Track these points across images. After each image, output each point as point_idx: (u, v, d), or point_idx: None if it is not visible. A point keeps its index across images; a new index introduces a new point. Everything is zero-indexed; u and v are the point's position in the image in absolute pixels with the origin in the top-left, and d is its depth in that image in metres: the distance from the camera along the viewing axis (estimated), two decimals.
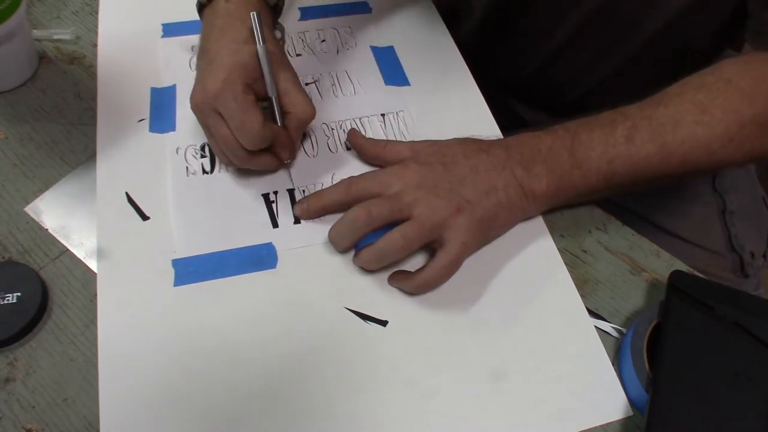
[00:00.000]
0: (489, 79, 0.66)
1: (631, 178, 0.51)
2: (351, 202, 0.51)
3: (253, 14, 0.52)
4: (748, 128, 0.50)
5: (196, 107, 0.51)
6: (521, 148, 0.52)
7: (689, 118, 0.50)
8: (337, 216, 0.51)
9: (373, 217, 0.49)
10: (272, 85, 0.52)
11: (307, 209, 0.53)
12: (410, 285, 0.49)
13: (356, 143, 0.57)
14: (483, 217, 0.50)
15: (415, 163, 0.51)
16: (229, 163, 0.55)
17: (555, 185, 0.51)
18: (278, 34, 0.62)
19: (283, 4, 0.61)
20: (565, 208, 0.56)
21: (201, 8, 0.57)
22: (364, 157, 0.57)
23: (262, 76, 0.52)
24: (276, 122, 0.53)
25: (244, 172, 0.56)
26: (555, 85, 0.72)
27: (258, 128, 0.49)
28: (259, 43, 0.51)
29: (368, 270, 0.51)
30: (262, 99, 0.52)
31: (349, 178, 0.53)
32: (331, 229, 0.51)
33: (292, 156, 0.55)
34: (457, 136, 0.54)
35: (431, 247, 0.51)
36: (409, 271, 0.50)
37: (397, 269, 0.51)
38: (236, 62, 0.51)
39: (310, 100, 0.54)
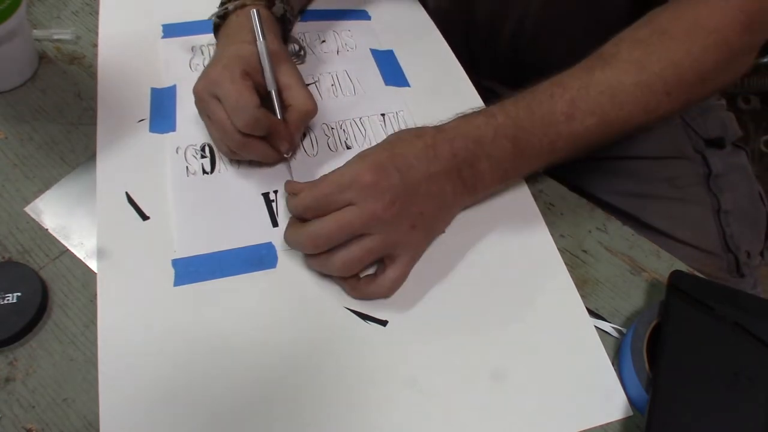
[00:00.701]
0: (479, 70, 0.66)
1: (573, 151, 0.52)
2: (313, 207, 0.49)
3: (253, 11, 0.54)
4: (685, 79, 0.51)
5: (197, 94, 0.53)
6: (465, 141, 0.50)
7: (627, 80, 0.50)
8: None
9: (321, 241, 0.47)
10: (272, 79, 0.53)
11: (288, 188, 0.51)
12: (359, 294, 0.49)
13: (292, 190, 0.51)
14: (431, 226, 0.51)
15: (371, 164, 0.48)
16: (227, 153, 0.55)
17: (499, 177, 0.52)
18: (294, 47, 0.64)
19: (294, 17, 0.62)
20: (564, 209, 0.56)
21: (216, 29, 0.60)
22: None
23: (262, 70, 0.54)
24: (276, 116, 0.54)
25: (244, 171, 0.56)
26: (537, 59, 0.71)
27: (252, 108, 0.50)
28: (259, 39, 0.54)
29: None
30: (264, 94, 0.53)
31: (304, 197, 0.49)
32: (285, 234, 0.50)
33: (291, 149, 0.55)
34: None
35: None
36: (358, 278, 0.50)
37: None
38: (237, 54, 0.53)
39: (311, 96, 0.54)
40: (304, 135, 0.59)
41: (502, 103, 0.52)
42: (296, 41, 0.65)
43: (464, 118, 0.52)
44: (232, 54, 0.53)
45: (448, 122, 0.52)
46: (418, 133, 0.51)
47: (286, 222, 0.53)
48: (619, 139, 0.53)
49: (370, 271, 0.51)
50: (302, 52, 0.66)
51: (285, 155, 0.55)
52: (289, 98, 0.54)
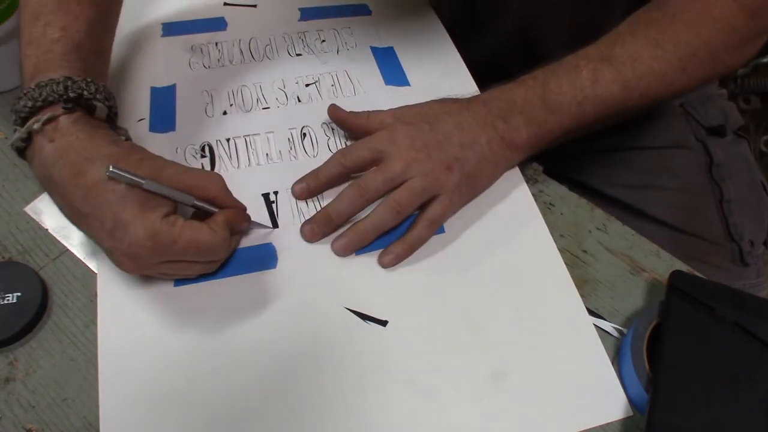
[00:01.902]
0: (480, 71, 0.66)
1: (600, 115, 0.54)
2: (347, 173, 0.54)
3: (112, 170, 0.42)
4: (698, 57, 0.54)
5: (140, 272, 0.46)
6: (498, 101, 0.54)
7: (645, 54, 0.53)
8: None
9: (369, 191, 0.51)
10: (184, 195, 0.45)
11: (306, 188, 0.54)
12: (404, 247, 0.51)
13: (337, 117, 0.58)
14: (471, 172, 0.53)
15: (402, 124, 0.53)
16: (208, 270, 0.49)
17: (534, 133, 0.54)
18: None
19: (117, 109, 0.50)
20: (564, 209, 0.56)
21: (20, 151, 0.46)
22: (347, 129, 0.58)
23: (163, 198, 0.44)
24: (209, 212, 0.47)
25: (244, 171, 0.56)
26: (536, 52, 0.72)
27: (217, 239, 0.45)
28: (142, 184, 0.43)
29: (365, 245, 0.52)
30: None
31: (339, 150, 0.54)
32: (328, 206, 0.52)
33: (248, 219, 0.51)
34: None
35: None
36: (395, 242, 0.52)
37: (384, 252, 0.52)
38: (136, 214, 0.42)
39: (203, 171, 0.51)
40: (304, 136, 0.59)
41: (532, 72, 0.55)
42: (124, 134, 0.51)
43: (498, 86, 0.56)
44: (142, 225, 0.42)
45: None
46: (455, 99, 0.56)
47: (286, 222, 0.53)
48: (640, 112, 0.56)
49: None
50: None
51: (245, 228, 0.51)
52: (195, 187, 0.46)
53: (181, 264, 0.45)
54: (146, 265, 0.44)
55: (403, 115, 0.55)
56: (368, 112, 0.56)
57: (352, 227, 0.52)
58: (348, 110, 0.57)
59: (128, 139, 0.51)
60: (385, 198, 0.51)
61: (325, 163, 0.54)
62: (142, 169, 0.43)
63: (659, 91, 0.54)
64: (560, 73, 0.54)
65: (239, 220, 0.49)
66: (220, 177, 0.48)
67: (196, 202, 0.46)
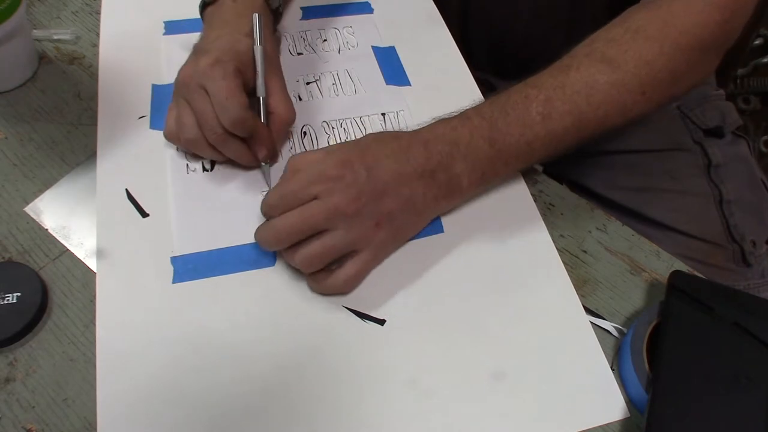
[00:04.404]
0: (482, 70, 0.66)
1: (551, 151, 0.52)
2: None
3: (256, 15, 0.54)
4: (659, 78, 0.51)
5: (182, 81, 0.52)
6: (440, 145, 0.50)
7: (602, 79, 0.50)
8: None
9: (281, 238, 0.47)
10: (263, 86, 0.53)
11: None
12: (317, 286, 0.49)
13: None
14: (399, 227, 0.50)
15: (338, 161, 0.47)
16: (197, 146, 0.52)
17: (478, 179, 0.51)
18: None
19: (283, 9, 0.61)
20: (564, 209, 0.56)
21: (204, 7, 0.58)
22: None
23: (254, 71, 0.53)
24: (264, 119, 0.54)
25: (243, 169, 0.55)
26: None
27: (240, 107, 0.50)
28: (257, 43, 0.53)
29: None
30: (249, 95, 0.53)
31: (270, 196, 0.49)
32: (256, 231, 0.49)
33: (269, 156, 0.54)
34: None
35: None
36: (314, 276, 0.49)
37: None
38: (232, 48, 0.52)
39: (292, 105, 0.55)
40: (304, 134, 0.59)
41: (477, 106, 0.52)
42: (278, 38, 0.64)
43: (441, 121, 0.52)
44: (227, 47, 0.52)
45: (425, 126, 0.52)
46: (395, 135, 0.51)
47: None
48: (594, 140, 0.53)
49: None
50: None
51: (263, 162, 0.54)
52: (273, 105, 0.54)
53: (201, 97, 0.50)
54: (194, 77, 0.51)
55: (339, 149, 0.49)
56: (292, 158, 0.50)
57: (269, 227, 0.48)
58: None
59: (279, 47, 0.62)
60: (298, 248, 0.47)
61: (272, 190, 0.49)
62: (268, 47, 0.55)
63: (615, 120, 0.52)
64: (508, 109, 0.50)
65: (264, 142, 0.52)
66: (294, 118, 0.55)
67: (262, 100, 0.54)
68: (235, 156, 0.53)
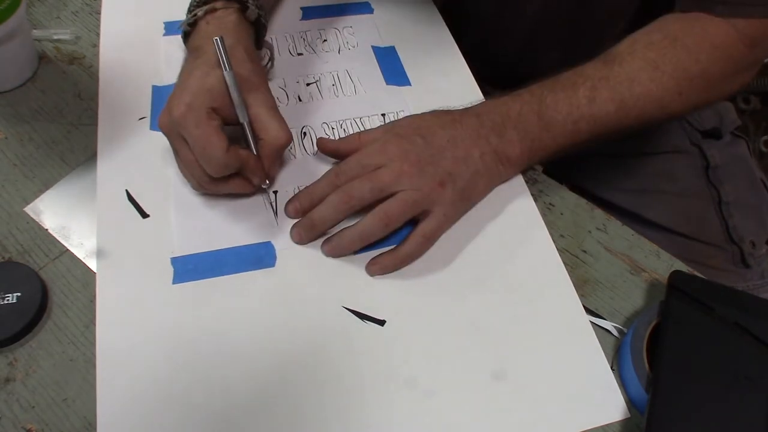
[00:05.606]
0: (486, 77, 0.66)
1: (594, 134, 0.54)
2: None
3: (216, 40, 0.49)
4: (695, 83, 0.54)
5: (163, 129, 0.50)
6: (492, 115, 0.54)
7: (644, 75, 0.53)
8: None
9: (353, 198, 0.50)
10: (243, 111, 0.50)
11: (300, 208, 0.53)
12: (393, 260, 0.51)
13: (329, 149, 0.56)
14: (464, 187, 0.52)
15: (394, 136, 0.52)
16: (197, 188, 0.53)
17: (528, 148, 0.54)
18: (265, 53, 0.61)
19: (267, 20, 0.58)
20: (564, 209, 0.56)
21: (186, 36, 0.55)
22: (343, 157, 0.54)
23: (231, 101, 0.50)
24: (251, 146, 0.51)
25: None
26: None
27: (220, 156, 0.47)
28: (225, 69, 0.49)
29: (350, 251, 0.51)
30: (234, 124, 0.50)
31: (333, 168, 0.53)
32: (313, 211, 0.51)
33: (264, 181, 0.52)
34: None
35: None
36: (386, 252, 0.51)
37: (372, 257, 0.51)
38: (202, 86, 0.49)
39: (283, 125, 0.51)
40: (304, 135, 0.59)
41: (528, 87, 0.55)
42: (269, 48, 0.61)
43: (490, 98, 0.55)
44: (196, 86, 0.49)
45: (476, 104, 0.55)
46: (448, 111, 0.55)
47: (286, 221, 0.53)
48: (633, 133, 0.56)
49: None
50: (270, 64, 0.62)
51: (257, 186, 0.53)
52: (260, 130, 0.51)
53: (183, 147, 0.49)
54: (171, 127, 0.49)
55: (395, 127, 0.54)
56: (359, 132, 0.55)
57: (340, 233, 0.51)
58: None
59: (272, 58, 0.62)
60: (375, 208, 0.50)
61: (318, 181, 0.53)
62: (242, 68, 0.50)
63: (654, 113, 0.54)
64: (557, 90, 0.54)
65: (255, 171, 0.51)
66: (286, 141, 0.51)
67: (246, 125, 0.50)
68: (235, 191, 0.52)
